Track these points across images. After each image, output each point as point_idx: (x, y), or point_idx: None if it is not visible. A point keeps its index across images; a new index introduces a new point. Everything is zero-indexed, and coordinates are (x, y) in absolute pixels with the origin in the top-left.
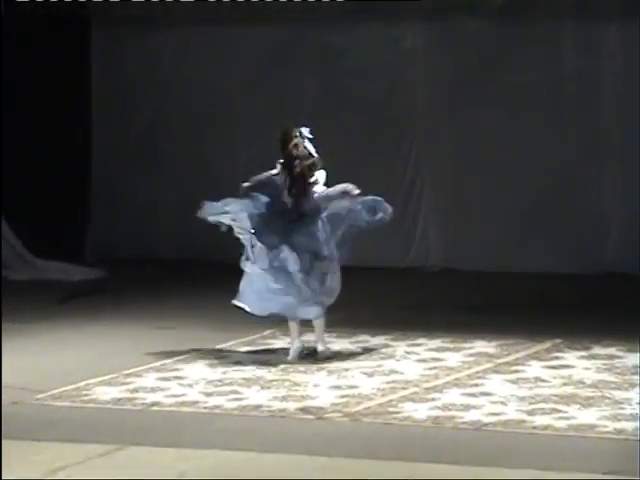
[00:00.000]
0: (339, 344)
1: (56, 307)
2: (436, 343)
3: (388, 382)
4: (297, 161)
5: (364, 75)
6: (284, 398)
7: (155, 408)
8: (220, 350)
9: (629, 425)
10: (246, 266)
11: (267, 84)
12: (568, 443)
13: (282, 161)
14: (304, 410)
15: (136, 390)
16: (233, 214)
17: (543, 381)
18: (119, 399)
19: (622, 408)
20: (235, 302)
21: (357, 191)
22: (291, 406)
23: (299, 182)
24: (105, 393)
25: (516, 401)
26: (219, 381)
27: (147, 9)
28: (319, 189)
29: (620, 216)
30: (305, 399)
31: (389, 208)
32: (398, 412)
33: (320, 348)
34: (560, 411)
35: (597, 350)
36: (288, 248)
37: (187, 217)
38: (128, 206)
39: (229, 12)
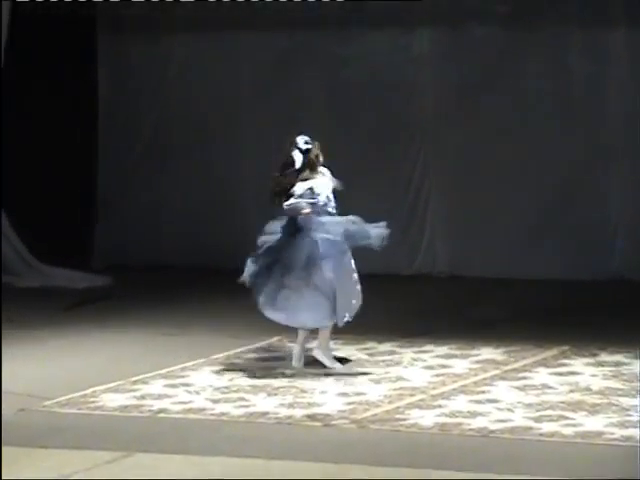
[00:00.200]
0: (346, 351)
1: (63, 314)
2: (443, 350)
3: (395, 389)
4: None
5: (371, 81)
6: (291, 405)
7: (162, 415)
8: (227, 357)
9: (636, 432)
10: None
11: (273, 90)
12: (575, 450)
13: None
14: (311, 417)
15: (143, 397)
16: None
17: (550, 388)
18: (126, 406)
19: (629, 415)
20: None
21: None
22: (298, 413)
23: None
24: (112, 400)
25: (523, 408)
26: (226, 388)
27: (154, 13)
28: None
29: (627, 223)
30: (312, 406)
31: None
32: (405, 419)
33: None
34: (567, 418)
35: (604, 357)
36: (284, 262)
37: (194, 223)
38: (135, 213)
39: (236, 17)
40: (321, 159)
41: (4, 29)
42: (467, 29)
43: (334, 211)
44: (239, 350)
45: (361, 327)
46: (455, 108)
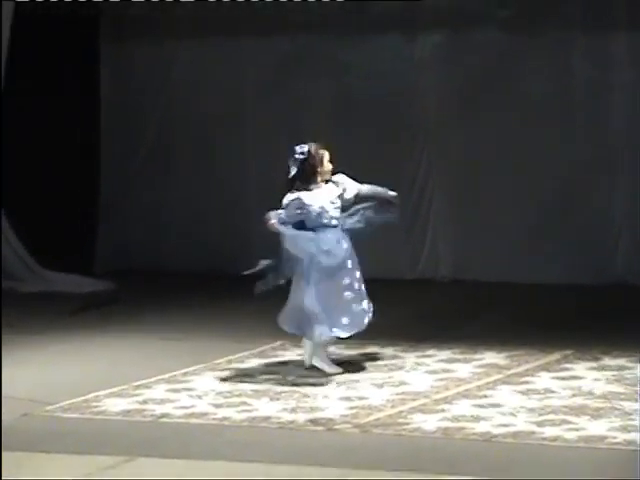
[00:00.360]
0: (348, 355)
1: (65, 319)
2: (446, 354)
3: (398, 393)
4: None
5: (374, 84)
6: (293, 409)
7: (164, 420)
8: (229, 361)
9: (638, 436)
10: None
11: (277, 93)
12: (578, 454)
13: None
14: (313, 421)
15: (145, 402)
16: None
17: (553, 392)
18: (128, 411)
19: (632, 419)
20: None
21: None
22: (300, 417)
23: None
24: (114, 405)
25: (526, 412)
26: (228, 392)
27: (157, 14)
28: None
29: (630, 227)
30: (314, 410)
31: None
32: (408, 423)
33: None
34: (570, 422)
35: (607, 361)
36: None
37: (197, 227)
38: (137, 217)
39: (238, 20)
40: (324, 168)
41: (5, 29)
42: (469, 33)
43: (332, 222)
44: (241, 354)
45: (363, 331)
46: (457, 111)
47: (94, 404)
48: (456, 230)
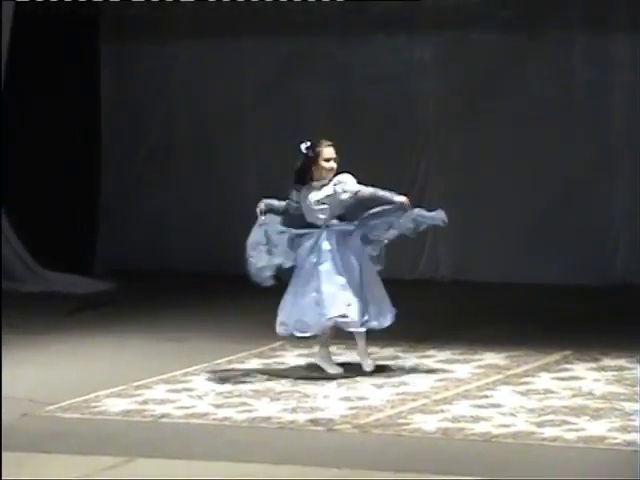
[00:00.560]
0: (348, 356)
1: (65, 319)
2: (445, 355)
3: (398, 394)
4: None
5: (373, 87)
6: (294, 410)
7: (164, 420)
8: (229, 362)
9: (638, 437)
10: None
11: (277, 96)
12: (577, 454)
13: None
14: (314, 422)
15: (145, 402)
16: None
17: (552, 393)
18: (128, 411)
19: (631, 420)
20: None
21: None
22: (301, 418)
23: None
24: (114, 405)
25: (526, 413)
26: (229, 393)
27: (157, 14)
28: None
29: (631, 227)
30: (315, 411)
31: None
32: (408, 424)
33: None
34: (570, 423)
35: (606, 362)
36: None
37: (197, 228)
38: (138, 218)
39: (238, 21)
40: (321, 166)
41: (5, 29)
42: (469, 33)
43: (317, 222)
44: (241, 355)
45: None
46: (457, 111)
47: (94, 404)
48: (456, 230)
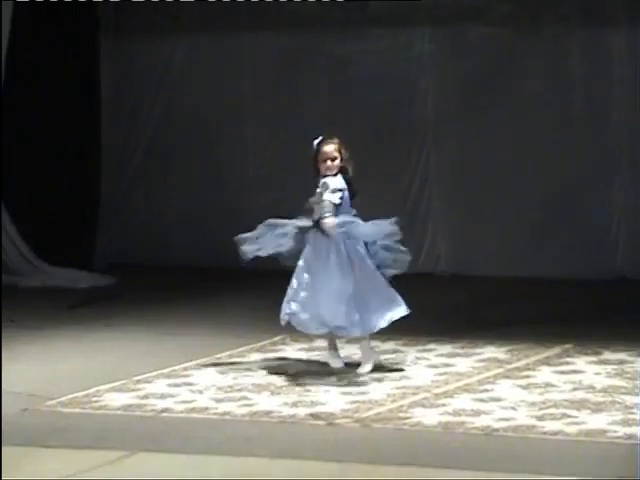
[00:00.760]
0: (349, 350)
1: (66, 314)
2: (446, 349)
3: (398, 388)
4: None
5: (372, 83)
6: (294, 404)
7: (165, 414)
8: (230, 356)
9: (639, 430)
10: None
11: (276, 92)
12: (578, 448)
13: None
14: (314, 416)
15: (146, 396)
16: None
17: (553, 386)
18: (129, 405)
19: (632, 413)
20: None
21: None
22: (301, 412)
23: None
24: (115, 399)
25: (526, 406)
26: (229, 387)
27: (156, 13)
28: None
29: (630, 221)
30: (315, 405)
31: None
32: (408, 418)
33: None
34: (570, 416)
35: (607, 355)
36: None
37: (197, 222)
38: (138, 212)
39: (237, 17)
40: (321, 163)
41: (5, 29)
42: (468, 29)
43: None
44: (242, 349)
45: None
46: (456, 107)
47: (95, 399)
48: (456, 225)
